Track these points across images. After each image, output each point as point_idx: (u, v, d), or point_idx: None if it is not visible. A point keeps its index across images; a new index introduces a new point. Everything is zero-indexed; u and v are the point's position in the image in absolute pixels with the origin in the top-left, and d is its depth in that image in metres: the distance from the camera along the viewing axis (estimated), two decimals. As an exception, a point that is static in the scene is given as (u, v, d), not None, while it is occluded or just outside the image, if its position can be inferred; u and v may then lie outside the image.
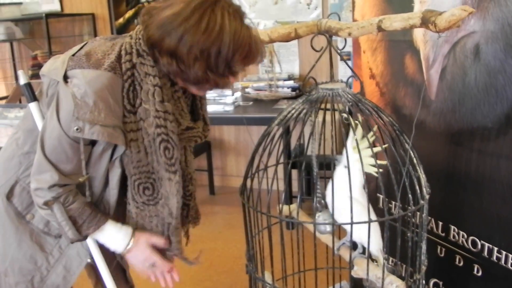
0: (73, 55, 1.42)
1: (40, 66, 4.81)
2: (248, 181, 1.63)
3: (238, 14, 1.34)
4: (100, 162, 1.42)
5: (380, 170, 1.41)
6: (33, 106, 1.45)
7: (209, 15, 1.28)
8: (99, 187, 1.47)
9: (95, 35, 4.83)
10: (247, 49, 1.34)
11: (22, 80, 1.45)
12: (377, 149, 1.45)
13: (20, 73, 1.47)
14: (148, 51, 1.37)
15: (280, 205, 1.70)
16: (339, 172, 1.51)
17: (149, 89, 1.37)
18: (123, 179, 1.48)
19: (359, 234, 1.48)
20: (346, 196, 1.41)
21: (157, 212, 1.52)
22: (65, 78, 1.36)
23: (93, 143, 1.39)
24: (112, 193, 1.48)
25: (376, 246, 1.53)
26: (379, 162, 1.42)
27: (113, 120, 1.34)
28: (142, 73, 1.37)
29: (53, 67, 1.42)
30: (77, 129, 1.31)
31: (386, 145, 1.47)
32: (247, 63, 1.39)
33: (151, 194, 1.49)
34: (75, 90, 1.32)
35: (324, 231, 1.59)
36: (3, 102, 5.08)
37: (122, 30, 4.78)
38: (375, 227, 1.50)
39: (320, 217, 1.58)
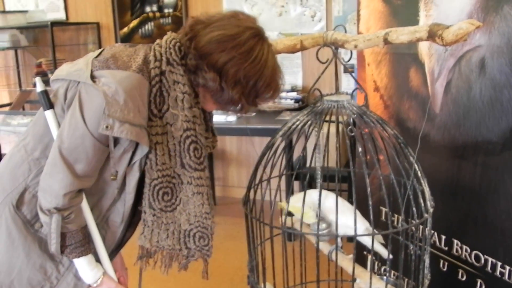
0: (96, 57, 1.43)
1: (44, 74, 4.83)
2: (251, 192, 1.63)
3: (274, 52, 1.46)
4: (119, 165, 1.43)
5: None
6: (49, 113, 1.44)
7: (260, 48, 1.39)
8: (116, 191, 1.47)
9: (100, 44, 4.85)
10: (275, 87, 1.45)
11: (39, 87, 1.44)
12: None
13: (37, 80, 1.47)
14: (178, 61, 1.41)
15: (283, 217, 1.69)
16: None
17: (178, 96, 1.42)
18: (138, 188, 1.49)
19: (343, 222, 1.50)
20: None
21: (174, 219, 1.52)
22: (92, 78, 1.37)
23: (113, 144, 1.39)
24: (129, 198, 1.49)
25: (362, 227, 1.54)
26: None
27: (140, 120, 1.36)
28: (170, 81, 1.41)
29: (73, 69, 1.43)
30: (106, 127, 1.32)
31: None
32: (269, 98, 1.48)
33: (169, 199, 1.50)
34: (105, 88, 1.33)
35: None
36: (7, 109, 5.09)
37: (126, 39, 4.80)
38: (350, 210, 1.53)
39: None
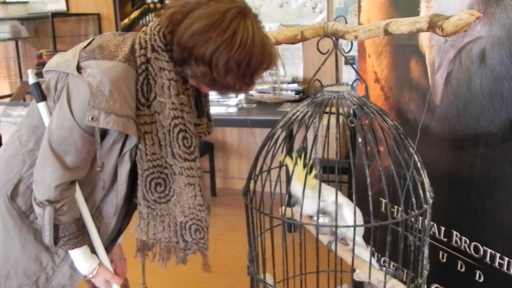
0: (84, 48, 1.43)
1: (45, 65, 4.84)
2: (251, 183, 1.63)
3: (260, 23, 1.41)
4: (110, 156, 1.42)
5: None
6: (41, 105, 1.44)
7: (243, 28, 1.33)
8: (108, 182, 1.47)
9: (100, 35, 4.83)
10: (269, 59, 1.41)
11: (31, 79, 1.44)
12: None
13: (29, 72, 1.46)
14: (163, 47, 1.39)
15: (283, 207, 1.70)
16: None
17: (164, 83, 1.39)
18: (131, 179, 1.49)
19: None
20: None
21: (169, 210, 1.52)
22: (78, 69, 1.36)
23: (102, 136, 1.39)
24: (121, 189, 1.48)
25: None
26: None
27: (127, 111, 1.35)
28: (156, 68, 1.39)
29: (62, 60, 1.43)
30: (92, 118, 1.31)
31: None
32: (266, 70, 1.46)
33: (162, 190, 1.50)
34: (90, 79, 1.32)
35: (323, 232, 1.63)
36: (7, 100, 5.09)
37: (127, 30, 4.79)
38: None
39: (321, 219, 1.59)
